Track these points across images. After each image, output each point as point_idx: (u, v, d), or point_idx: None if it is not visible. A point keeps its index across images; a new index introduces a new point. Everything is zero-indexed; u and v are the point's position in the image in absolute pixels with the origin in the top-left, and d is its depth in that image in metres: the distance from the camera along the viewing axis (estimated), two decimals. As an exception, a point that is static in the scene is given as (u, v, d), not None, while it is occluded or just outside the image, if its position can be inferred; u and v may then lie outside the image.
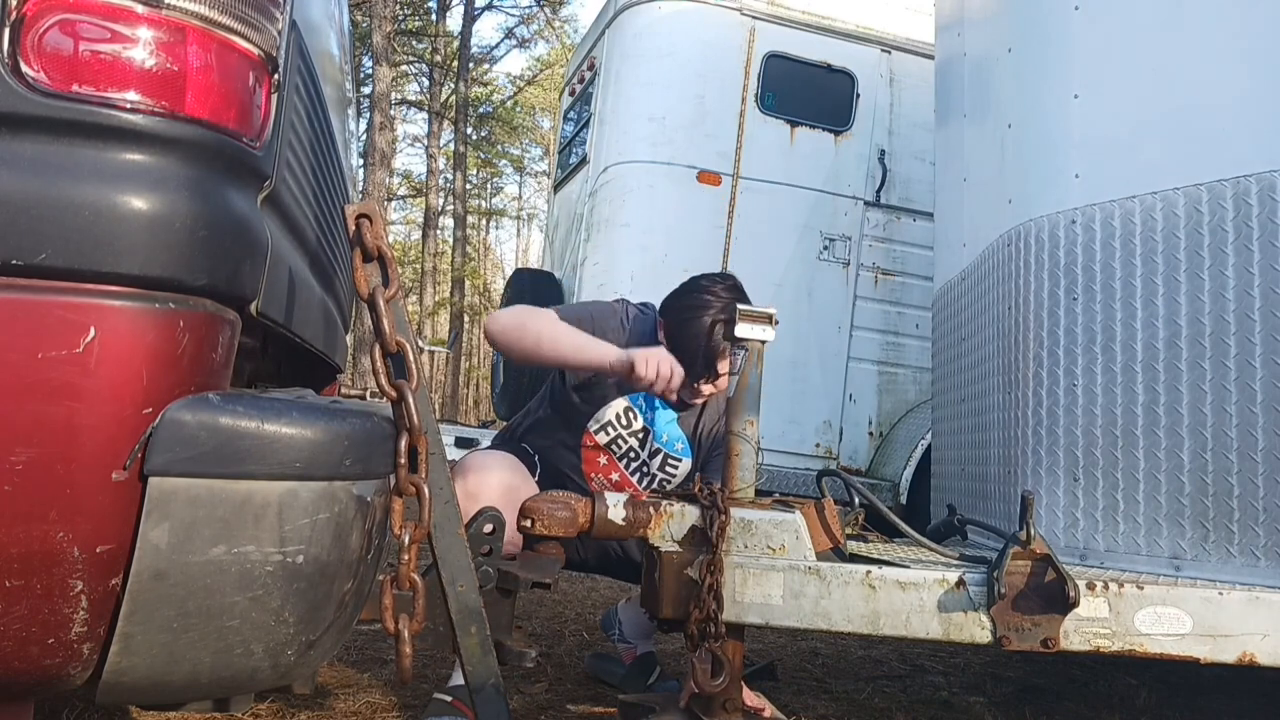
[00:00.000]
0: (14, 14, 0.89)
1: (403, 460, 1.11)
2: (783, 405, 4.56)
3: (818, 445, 4.70)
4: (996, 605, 1.55)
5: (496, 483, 1.98)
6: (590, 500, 1.56)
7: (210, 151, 0.98)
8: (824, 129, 4.81)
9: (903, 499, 4.43)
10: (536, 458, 2.24)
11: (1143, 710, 2.62)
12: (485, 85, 25.01)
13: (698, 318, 2.06)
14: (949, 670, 3.05)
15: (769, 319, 1.68)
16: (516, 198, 31.94)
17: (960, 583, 1.57)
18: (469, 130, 21.47)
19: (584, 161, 5.16)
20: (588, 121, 5.19)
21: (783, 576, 1.55)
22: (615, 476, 2.24)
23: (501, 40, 24.89)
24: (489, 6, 21.18)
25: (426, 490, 1.14)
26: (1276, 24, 1.84)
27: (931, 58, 3.40)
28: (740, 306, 1.69)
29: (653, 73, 4.73)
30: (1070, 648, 1.56)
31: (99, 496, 0.90)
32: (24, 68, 0.89)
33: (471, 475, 2.00)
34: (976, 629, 1.57)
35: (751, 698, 1.84)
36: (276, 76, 1.08)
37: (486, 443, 4.37)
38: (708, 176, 4.63)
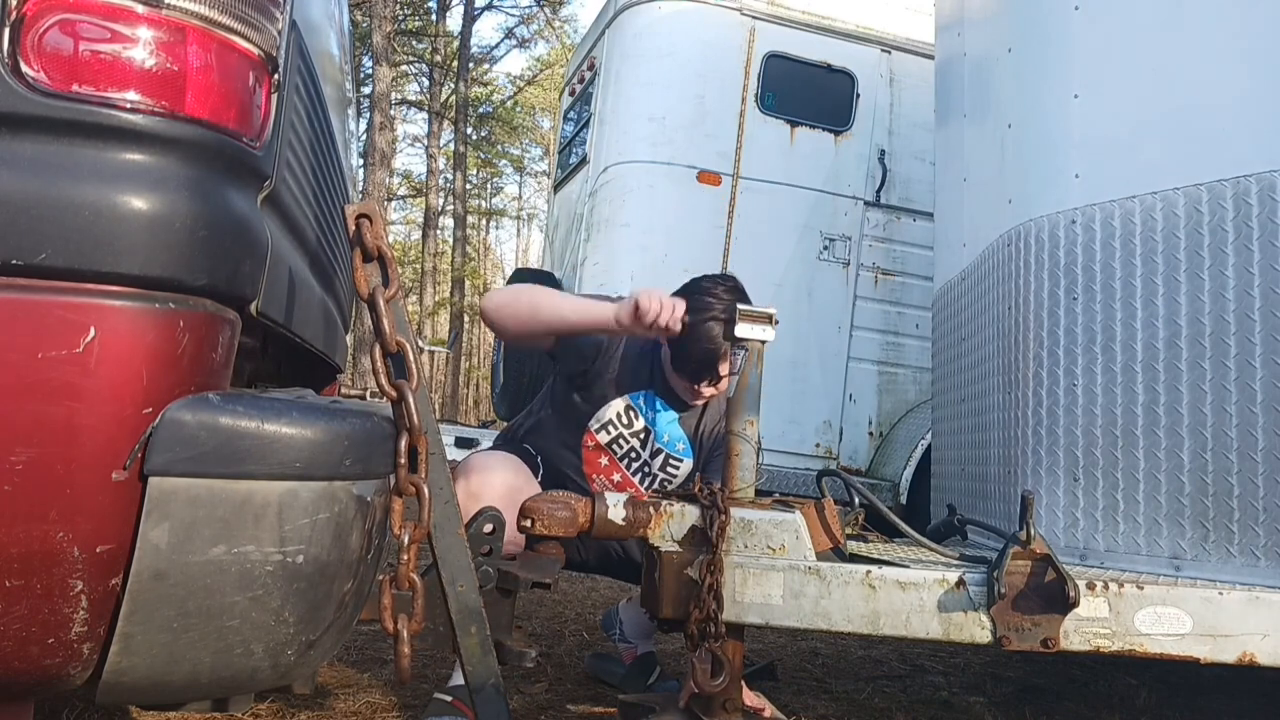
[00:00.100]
0: (14, 14, 0.89)
1: (403, 460, 1.11)
2: (783, 405, 4.56)
3: (818, 445, 4.70)
4: (996, 605, 1.55)
5: (499, 483, 1.98)
6: (590, 500, 1.56)
7: (210, 151, 0.98)
8: (824, 129, 4.81)
9: (903, 499, 4.43)
10: (539, 458, 2.24)
11: (1143, 710, 2.62)
12: (485, 85, 25.02)
13: (698, 320, 2.06)
14: (949, 670, 3.05)
15: (769, 319, 1.68)
16: (516, 198, 31.97)
17: (960, 583, 1.57)
18: (469, 130, 21.48)
19: (584, 161, 5.16)
20: (588, 121, 5.19)
21: (783, 576, 1.55)
22: (617, 477, 2.24)
23: (501, 40, 24.92)
24: (489, 6, 21.19)
25: (426, 490, 1.14)
26: (1276, 24, 1.84)
27: (931, 58, 3.40)
28: (740, 306, 1.69)
29: (653, 73, 4.73)
30: (1070, 648, 1.56)
31: (99, 496, 0.90)
32: (24, 68, 0.89)
33: (474, 475, 2.00)
34: (976, 629, 1.57)
35: (751, 698, 1.84)
36: (276, 76, 1.08)
37: (486, 443, 4.37)
38: (708, 176, 4.63)
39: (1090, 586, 1.57)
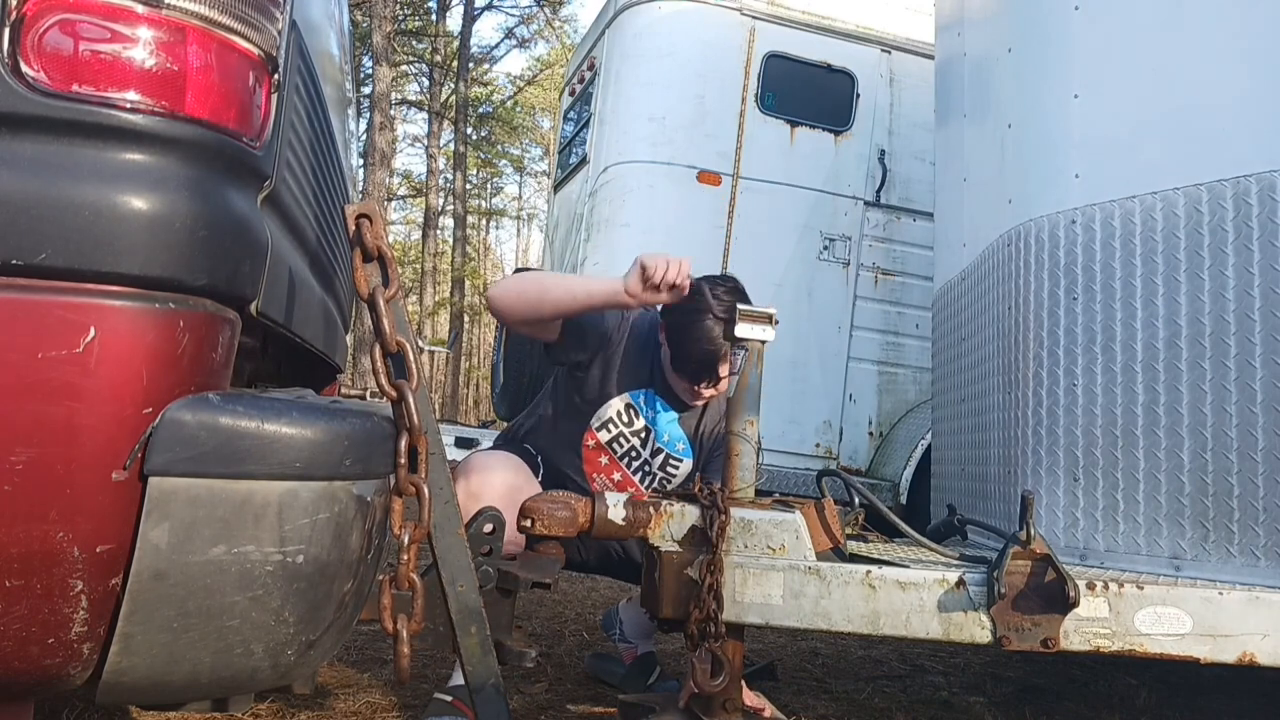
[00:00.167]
0: (14, 14, 0.89)
1: (403, 460, 1.11)
2: (783, 405, 4.56)
3: (818, 445, 4.70)
4: (996, 605, 1.55)
5: (499, 483, 1.98)
6: (590, 500, 1.56)
7: (210, 151, 0.98)
8: (824, 129, 4.80)
9: (903, 499, 4.43)
10: (539, 458, 2.24)
11: (1143, 710, 2.62)
12: (485, 85, 25.02)
13: (698, 320, 2.06)
14: (949, 670, 3.05)
15: (769, 319, 1.68)
16: (516, 198, 31.97)
17: (960, 583, 1.57)
18: (469, 130, 21.48)
19: (584, 161, 5.16)
20: (588, 121, 5.19)
21: (783, 576, 1.55)
22: (617, 476, 2.24)
23: (501, 40, 24.93)
24: (489, 6, 21.19)
25: (426, 490, 1.14)
26: (1276, 24, 1.84)
27: (931, 58, 3.40)
28: (740, 306, 1.69)
29: (653, 73, 4.73)
30: (1070, 648, 1.56)
31: (99, 496, 0.90)
32: (24, 68, 0.89)
33: (475, 475, 2.00)
34: (976, 629, 1.57)
35: (751, 698, 1.84)
36: (276, 76, 1.08)
37: (486, 443, 4.37)
38: (708, 176, 4.63)
39: (1090, 586, 1.57)
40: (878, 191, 4.82)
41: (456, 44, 20.22)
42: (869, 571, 1.57)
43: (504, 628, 1.46)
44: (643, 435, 2.23)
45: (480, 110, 24.00)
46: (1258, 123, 1.83)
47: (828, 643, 3.26)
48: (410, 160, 34.37)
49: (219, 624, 0.96)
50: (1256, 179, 1.80)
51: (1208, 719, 2.60)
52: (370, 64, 16.29)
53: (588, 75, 5.41)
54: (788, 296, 4.59)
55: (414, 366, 1.15)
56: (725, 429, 1.72)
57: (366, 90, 16.85)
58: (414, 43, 21.95)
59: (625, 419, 2.21)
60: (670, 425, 2.24)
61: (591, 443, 2.23)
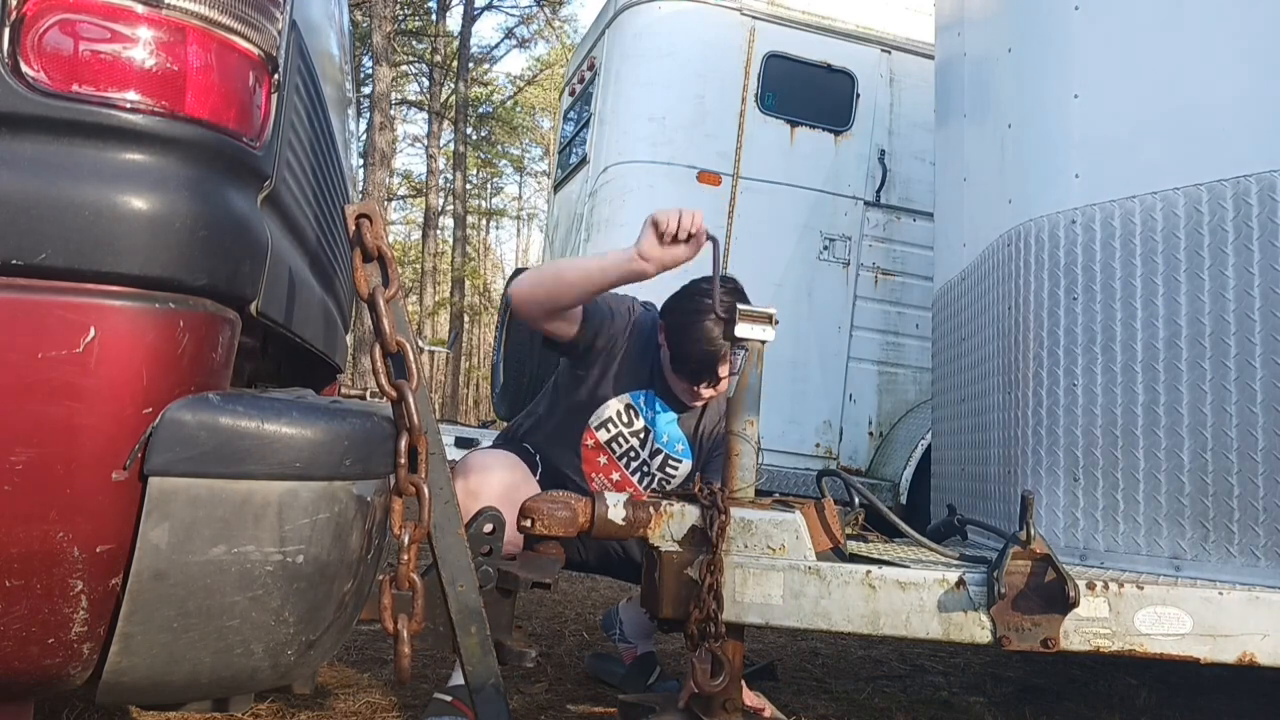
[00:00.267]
0: (14, 14, 0.89)
1: (403, 460, 1.11)
2: (783, 405, 4.56)
3: (818, 445, 4.70)
4: (996, 605, 1.55)
5: (497, 482, 1.98)
6: (590, 500, 1.56)
7: (210, 151, 0.98)
8: (824, 129, 4.81)
9: (903, 499, 4.43)
10: (537, 457, 2.24)
11: (1143, 710, 2.62)
12: (485, 85, 25.03)
13: (698, 321, 2.06)
14: (949, 670, 3.05)
15: (769, 319, 1.68)
16: (516, 198, 31.97)
17: (960, 583, 1.57)
18: (469, 130, 21.48)
19: (584, 161, 5.16)
20: (588, 121, 5.19)
21: (783, 576, 1.55)
22: (616, 476, 2.24)
23: (501, 40, 24.94)
24: (489, 6, 21.19)
25: (426, 490, 1.14)
26: (1276, 24, 1.84)
27: (931, 58, 3.40)
28: (740, 306, 1.69)
29: (653, 73, 4.73)
30: (1070, 648, 1.56)
31: (99, 496, 0.90)
32: (24, 68, 0.89)
33: (473, 474, 2.00)
34: (976, 629, 1.57)
35: (751, 698, 1.84)
36: (276, 76, 1.08)
37: (486, 443, 4.37)
38: (708, 176, 4.63)
39: (1090, 586, 1.57)
40: (878, 191, 4.82)
41: (456, 44, 20.22)
42: (869, 571, 1.57)
43: (504, 628, 1.46)
44: (642, 436, 2.23)
45: (480, 110, 24.00)
46: (1258, 123, 1.83)
47: (828, 643, 3.26)
48: (410, 160, 34.40)
49: (219, 624, 0.96)
50: (1256, 179, 1.80)
51: (1208, 719, 2.60)
52: (370, 64, 16.29)
53: (588, 75, 5.41)
54: (788, 296, 4.59)
55: (414, 366, 1.15)
56: (725, 429, 1.72)
57: (366, 90, 16.86)
58: (414, 43, 21.95)
59: (625, 419, 2.22)
60: (669, 426, 2.24)
61: (590, 442, 2.23)
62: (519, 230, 32.95)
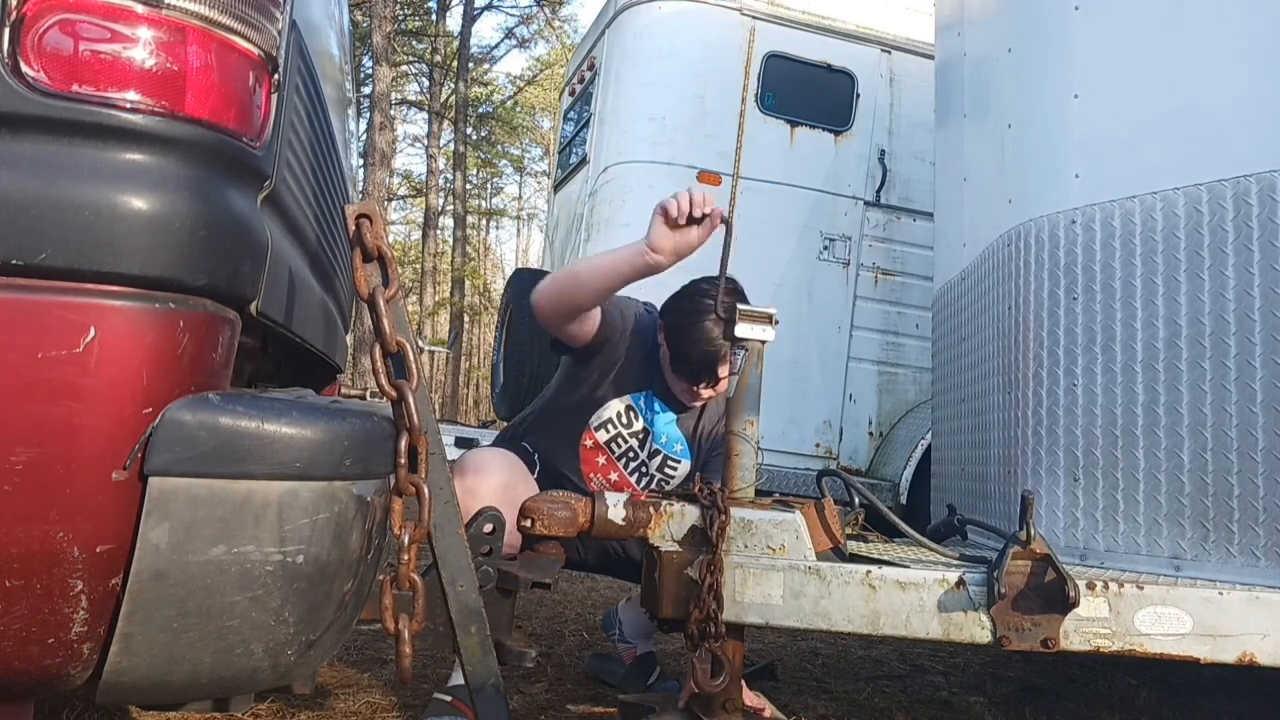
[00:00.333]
0: (14, 14, 0.89)
1: (403, 460, 1.11)
2: (783, 405, 4.56)
3: (818, 445, 4.70)
4: (996, 605, 1.55)
5: (496, 481, 1.98)
6: (590, 500, 1.56)
7: (210, 151, 0.98)
8: (824, 129, 4.80)
9: (903, 499, 4.42)
10: (536, 456, 2.24)
11: (1143, 710, 2.62)
12: (485, 85, 25.03)
13: (697, 321, 2.06)
14: (949, 670, 3.05)
15: (769, 319, 1.68)
16: (516, 198, 31.98)
17: (960, 583, 1.57)
18: (469, 130, 21.48)
19: (584, 161, 5.16)
20: (588, 121, 5.19)
21: (783, 576, 1.55)
22: (614, 476, 2.24)
23: (501, 40, 24.94)
24: (489, 6, 21.20)
25: (426, 490, 1.14)
26: (1276, 24, 1.84)
27: (931, 58, 3.40)
28: (740, 306, 1.69)
29: (653, 73, 4.73)
30: (1070, 648, 1.56)
31: (99, 496, 0.90)
32: (24, 68, 0.89)
33: (471, 474, 1.99)
34: (976, 629, 1.56)
35: (751, 698, 1.84)
36: (276, 76, 1.08)
37: (486, 443, 4.37)
38: (708, 176, 4.63)
39: (1090, 586, 1.57)
40: (878, 191, 4.82)
41: (456, 44, 20.22)
42: (869, 571, 1.57)
43: (504, 628, 1.46)
44: (641, 436, 2.23)
45: (480, 110, 24.01)
46: (1258, 123, 1.83)
47: (828, 643, 3.26)
48: (410, 160, 34.41)
49: (219, 624, 0.96)
50: (1256, 179, 1.80)
51: (1208, 719, 2.60)
52: (370, 64, 16.29)
53: (588, 75, 5.41)
54: (788, 296, 4.59)
55: (414, 366, 1.15)
56: (725, 429, 1.71)
57: (366, 90, 16.86)
58: (414, 43, 21.95)
59: (624, 420, 2.22)
60: (668, 426, 2.24)
61: (590, 443, 2.23)
62: (519, 230, 32.98)
